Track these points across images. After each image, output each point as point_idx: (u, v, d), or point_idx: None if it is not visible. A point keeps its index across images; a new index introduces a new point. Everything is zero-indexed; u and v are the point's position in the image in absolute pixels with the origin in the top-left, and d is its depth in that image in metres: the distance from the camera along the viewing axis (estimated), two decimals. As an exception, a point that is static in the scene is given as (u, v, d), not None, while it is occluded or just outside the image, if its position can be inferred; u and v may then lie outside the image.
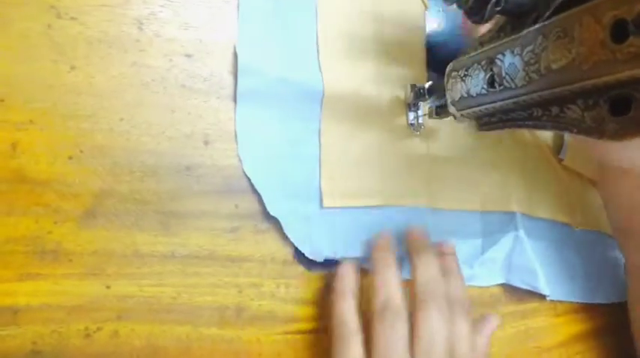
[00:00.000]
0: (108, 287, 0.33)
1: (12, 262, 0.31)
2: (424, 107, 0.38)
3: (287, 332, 0.36)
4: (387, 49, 0.38)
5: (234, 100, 0.36)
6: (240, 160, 0.36)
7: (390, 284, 0.34)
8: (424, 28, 0.40)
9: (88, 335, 0.32)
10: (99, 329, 0.33)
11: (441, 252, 0.38)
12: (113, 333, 0.33)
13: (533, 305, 0.43)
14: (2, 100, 0.31)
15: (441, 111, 0.36)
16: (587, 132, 0.22)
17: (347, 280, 0.35)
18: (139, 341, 0.33)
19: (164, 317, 0.34)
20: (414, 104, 0.38)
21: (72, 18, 0.33)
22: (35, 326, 0.31)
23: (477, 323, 0.37)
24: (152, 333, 0.34)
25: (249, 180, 0.36)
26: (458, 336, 0.33)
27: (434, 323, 0.32)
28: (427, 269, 0.35)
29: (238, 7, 0.36)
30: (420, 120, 0.38)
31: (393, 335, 0.32)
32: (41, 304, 0.31)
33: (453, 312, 0.34)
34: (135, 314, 0.33)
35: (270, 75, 0.36)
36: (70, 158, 0.32)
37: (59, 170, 0.32)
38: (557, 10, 0.22)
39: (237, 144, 0.36)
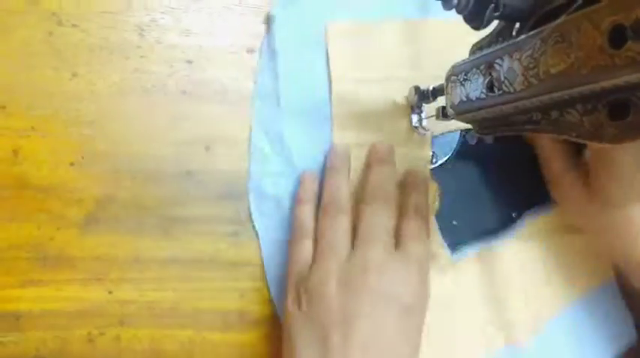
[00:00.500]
0: (110, 292, 0.33)
1: (14, 268, 0.31)
2: (428, 109, 0.38)
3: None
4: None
5: (237, 103, 0.36)
6: (242, 163, 0.36)
7: (337, 185, 0.35)
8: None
9: (90, 341, 0.32)
10: (101, 334, 0.33)
11: (412, 171, 0.38)
12: (115, 338, 0.33)
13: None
14: (4, 107, 0.31)
15: (444, 114, 0.36)
16: (586, 136, 0.22)
17: (307, 187, 0.36)
18: (141, 345, 0.33)
19: (166, 321, 0.34)
20: (418, 106, 0.38)
21: (73, 25, 0.33)
22: (38, 332, 0.31)
23: None
24: (154, 338, 0.34)
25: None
26: (405, 234, 0.34)
27: (375, 215, 0.33)
28: (381, 173, 0.35)
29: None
30: (424, 123, 0.38)
31: (334, 225, 0.33)
32: (44, 310, 0.32)
33: (406, 215, 0.34)
34: (137, 319, 0.33)
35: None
36: (72, 164, 0.33)
37: (61, 176, 0.32)
38: (549, 16, 0.22)
39: (239, 148, 0.36)
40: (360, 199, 0.35)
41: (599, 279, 0.43)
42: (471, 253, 0.40)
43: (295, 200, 0.36)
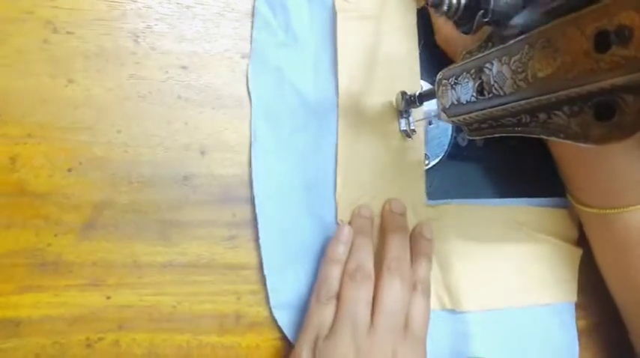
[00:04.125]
0: (108, 297, 0.33)
1: (13, 275, 0.31)
2: (415, 113, 0.39)
3: (285, 338, 0.37)
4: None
5: (232, 108, 0.36)
6: (237, 168, 0.36)
7: (364, 249, 0.36)
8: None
9: (89, 346, 0.33)
10: (100, 339, 0.33)
11: (420, 234, 0.39)
12: (114, 343, 0.33)
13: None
14: (0, 115, 0.31)
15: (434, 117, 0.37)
16: (574, 137, 0.23)
17: (341, 246, 0.36)
18: (139, 350, 0.34)
19: (164, 325, 0.34)
20: (406, 111, 0.38)
21: (68, 32, 0.33)
22: (37, 338, 0.32)
23: None
24: (153, 342, 0.34)
25: (245, 189, 0.36)
26: (415, 310, 0.35)
27: (396, 292, 0.34)
28: (398, 246, 0.36)
29: (247, 73, 0.37)
30: (412, 126, 0.39)
31: (358, 294, 0.34)
32: (43, 316, 0.32)
33: (416, 289, 0.36)
34: (135, 324, 0.34)
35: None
36: (69, 170, 0.33)
37: (58, 182, 0.32)
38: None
39: (235, 152, 0.36)
40: (379, 267, 0.36)
41: (560, 297, 0.44)
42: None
43: (326, 255, 0.36)
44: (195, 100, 0.36)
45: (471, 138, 0.34)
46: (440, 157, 0.42)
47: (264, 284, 0.37)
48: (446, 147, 0.42)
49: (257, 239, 0.36)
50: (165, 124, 0.35)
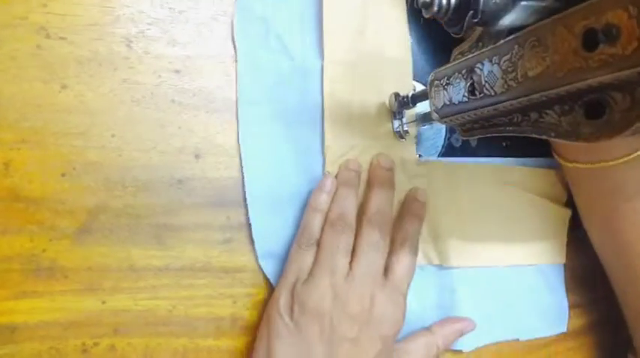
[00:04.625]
0: (104, 302, 0.33)
1: (8, 281, 0.31)
2: (408, 115, 0.39)
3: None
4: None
5: (225, 112, 0.36)
6: (232, 170, 0.36)
7: (346, 199, 0.36)
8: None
9: (85, 351, 0.33)
10: (96, 344, 0.33)
11: (414, 197, 0.39)
12: (110, 348, 0.33)
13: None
14: (-6, 121, 0.31)
15: (423, 119, 0.37)
16: (565, 136, 0.23)
17: (324, 196, 0.37)
18: (135, 354, 0.34)
19: (160, 329, 0.34)
20: (399, 112, 0.39)
21: (61, 38, 0.33)
22: (33, 344, 0.31)
23: None
24: (149, 346, 0.34)
25: (240, 191, 0.36)
26: (397, 265, 0.36)
27: (375, 241, 0.35)
28: (382, 199, 0.37)
29: (233, 23, 0.37)
30: (405, 128, 0.39)
31: (338, 241, 0.34)
32: (38, 321, 0.32)
33: (402, 245, 0.37)
34: (131, 328, 0.34)
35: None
36: (63, 175, 0.33)
37: (52, 188, 0.32)
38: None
39: (229, 156, 0.36)
40: (360, 219, 0.36)
41: (547, 258, 0.44)
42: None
43: (309, 204, 0.37)
44: (188, 104, 0.36)
45: (464, 138, 0.35)
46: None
47: (260, 287, 0.37)
48: (440, 148, 0.42)
49: (253, 242, 0.36)
50: (159, 128, 0.35)
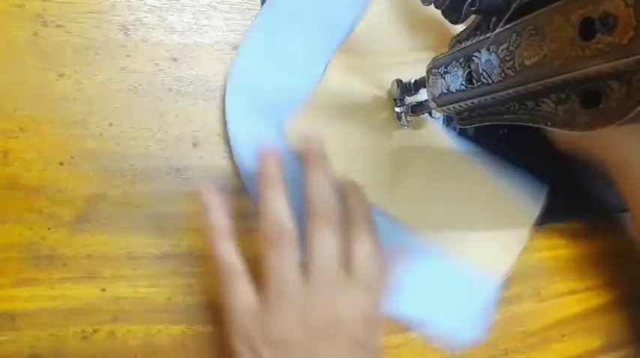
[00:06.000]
0: (103, 289, 0.33)
1: (8, 269, 0.31)
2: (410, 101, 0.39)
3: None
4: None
5: (223, 100, 0.36)
6: (230, 159, 0.36)
7: (276, 207, 0.31)
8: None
9: (85, 338, 0.33)
10: (96, 331, 0.33)
11: (348, 186, 0.36)
12: (110, 334, 0.33)
13: (517, 290, 0.45)
14: (-9, 109, 0.31)
15: (417, 108, 0.37)
16: (561, 124, 0.23)
17: (216, 215, 0.32)
18: (135, 341, 0.34)
19: (160, 317, 0.34)
20: (401, 99, 0.39)
21: (58, 26, 0.33)
22: (33, 331, 0.32)
23: (388, 254, 0.35)
24: (148, 333, 0.34)
25: (238, 180, 0.36)
26: (357, 255, 0.32)
27: (324, 238, 0.31)
28: (319, 184, 0.33)
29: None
30: (408, 118, 0.39)
31: (284, 263, 0.30)
32: (38, 308, 0.32)
33: (353, 230, 0.33)
34: (131, 315, 0.34)
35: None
36: (61, 164, 0.33)
37: (51, 176, 0.33)
38: (526, 9, 0.23)
39: (227, 144, 0.36)
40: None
41: (492, 263, 0.43)
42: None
43: (208, 232, 0.32)
44: (186, 92, 0.36)
45: (461, 126, 0.35)
46: (431, 147, 0.42)
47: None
48: (437, 136, 0.42)
49: (250, 230, 0.36)
50: (157, 117, 0.35)
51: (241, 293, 0.30)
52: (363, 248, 0.32)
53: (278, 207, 0.31)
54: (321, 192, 0.32)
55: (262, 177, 0.32)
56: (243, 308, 0.30)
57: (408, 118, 0.39)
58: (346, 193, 0.35)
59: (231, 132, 0.36)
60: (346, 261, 0.32)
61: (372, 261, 0.33)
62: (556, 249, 0.47)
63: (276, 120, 0.37)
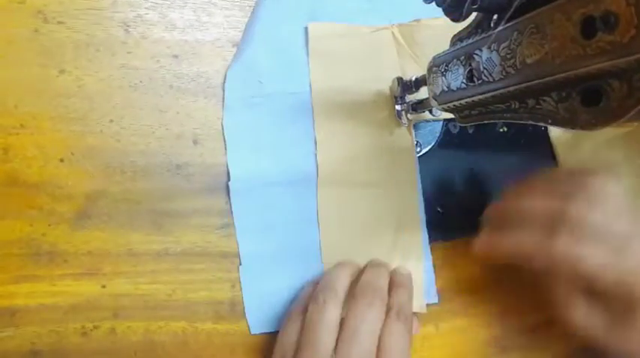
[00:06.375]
0: (103, 286, 0.33)
1: (8, 265, 0.31)
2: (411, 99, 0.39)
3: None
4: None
5: (222, 103, 0.36)
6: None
7: (338, 273, 0.35)
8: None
9: (85, 334, 0.33)
10: (96, 327, 0.33)
11: (396, 271, 0.38)
12: (110, 331, 0.33)
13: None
14: (-8, 105, 0.31)
15: (417, 106, 0.37)
16: (561, 122, 0.23)
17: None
18: (135, 337, 0.34)
19: (160, 313, 0.35)
20: (401, 97, 0.39)
21: (59, 22, 0.33)
22: (33, 327, 0.32)
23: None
24: (148, 330, 0.34)
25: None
26: (389, 339, 0.32)
27: (363, 315, 0.32)
28: (373, 274, 0.35)
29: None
30: (409, 116, 0.39)
31: (323, 314, 0.32)
32: (38, 305, 0.32)
33: (391, 316, 0.33)
34: (131, 312, 0.34)
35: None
36: (62, 160, 0.33)
37: (51, 173, 0.33)
38: (527, 8, 0.23)
39: (225, 148, 0.36)
40: (351, 293, 0.34)
41: None
42: None
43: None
44: (187, 89, 0.36)
45: (462, 124, 0.35)
46: (432, 145, 0.42)
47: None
48: (438, 134, 0.42)
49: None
50: (158, 113, 0.35)
51: (292, 331, 0.33)
52: (397, 333, 0.33)
53: (339, 273, 0.35)
54: (374, 278, 0.35)
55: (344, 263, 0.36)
56: (286, 342, 0.33)
57: (409, 116, 0.39)
58: (393, 279, 0.36)
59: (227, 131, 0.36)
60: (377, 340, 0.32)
61: (404, 349, 0.33)
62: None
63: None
